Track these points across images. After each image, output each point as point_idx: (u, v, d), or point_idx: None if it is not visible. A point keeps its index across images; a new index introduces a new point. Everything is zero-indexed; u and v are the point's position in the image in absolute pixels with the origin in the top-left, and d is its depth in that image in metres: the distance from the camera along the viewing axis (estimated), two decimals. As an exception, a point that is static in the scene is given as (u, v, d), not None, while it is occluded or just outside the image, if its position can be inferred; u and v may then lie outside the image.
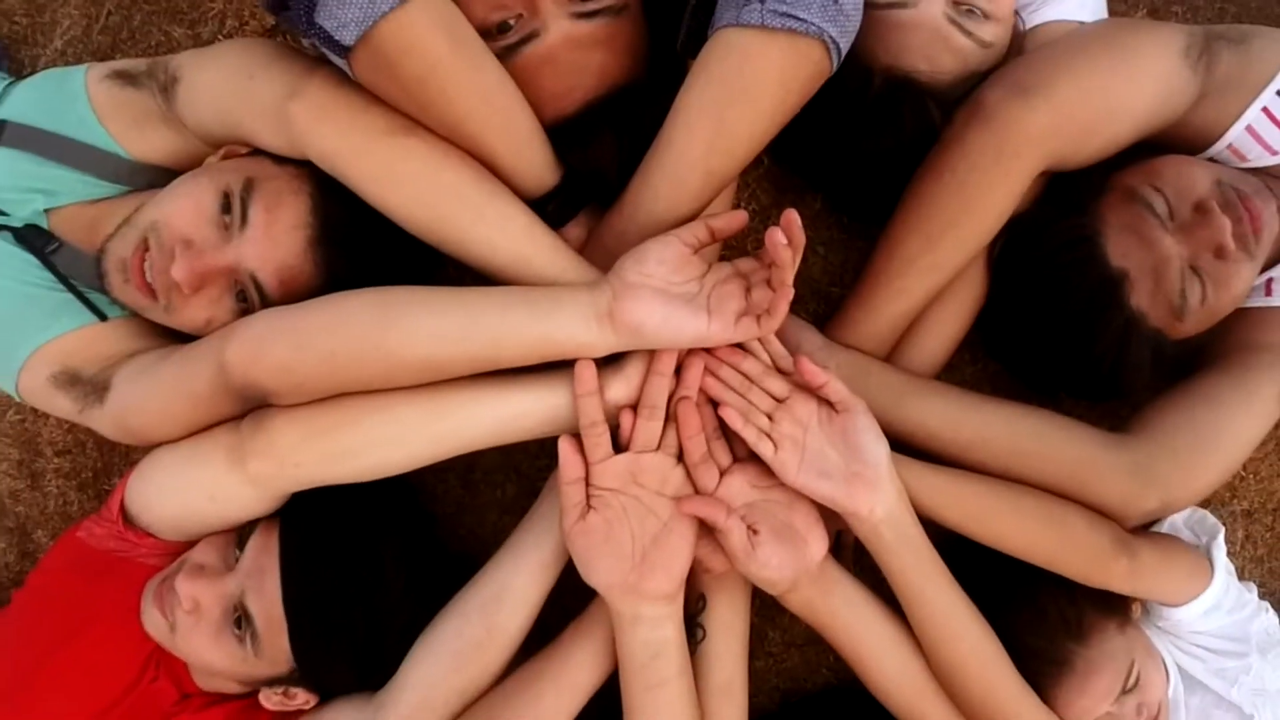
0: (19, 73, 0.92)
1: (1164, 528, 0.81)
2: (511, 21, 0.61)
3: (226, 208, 0.62)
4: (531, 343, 0.59)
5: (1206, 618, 0.76)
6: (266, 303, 0.63)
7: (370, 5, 0.52)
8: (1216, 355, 0.73)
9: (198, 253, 0.61)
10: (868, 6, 0.62)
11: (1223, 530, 0.80)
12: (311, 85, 0.61)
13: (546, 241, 0.63)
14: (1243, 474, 0.95)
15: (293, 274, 0.63)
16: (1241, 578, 0.87)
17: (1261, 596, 0.84)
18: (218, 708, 0.72)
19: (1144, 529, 0.74)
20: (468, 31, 0.58)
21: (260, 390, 0.60)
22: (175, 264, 0.60)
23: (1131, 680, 0.70)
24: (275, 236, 0.62)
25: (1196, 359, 0.76)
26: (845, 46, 0.59)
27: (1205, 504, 0.89)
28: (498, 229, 0.61)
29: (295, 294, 0.63)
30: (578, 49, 0.62)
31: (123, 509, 0.71)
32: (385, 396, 0.61)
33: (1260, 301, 0.72)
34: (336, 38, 0.54)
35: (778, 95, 0.59)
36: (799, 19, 0.55)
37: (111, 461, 0.89)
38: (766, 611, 0.86)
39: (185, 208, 0.62)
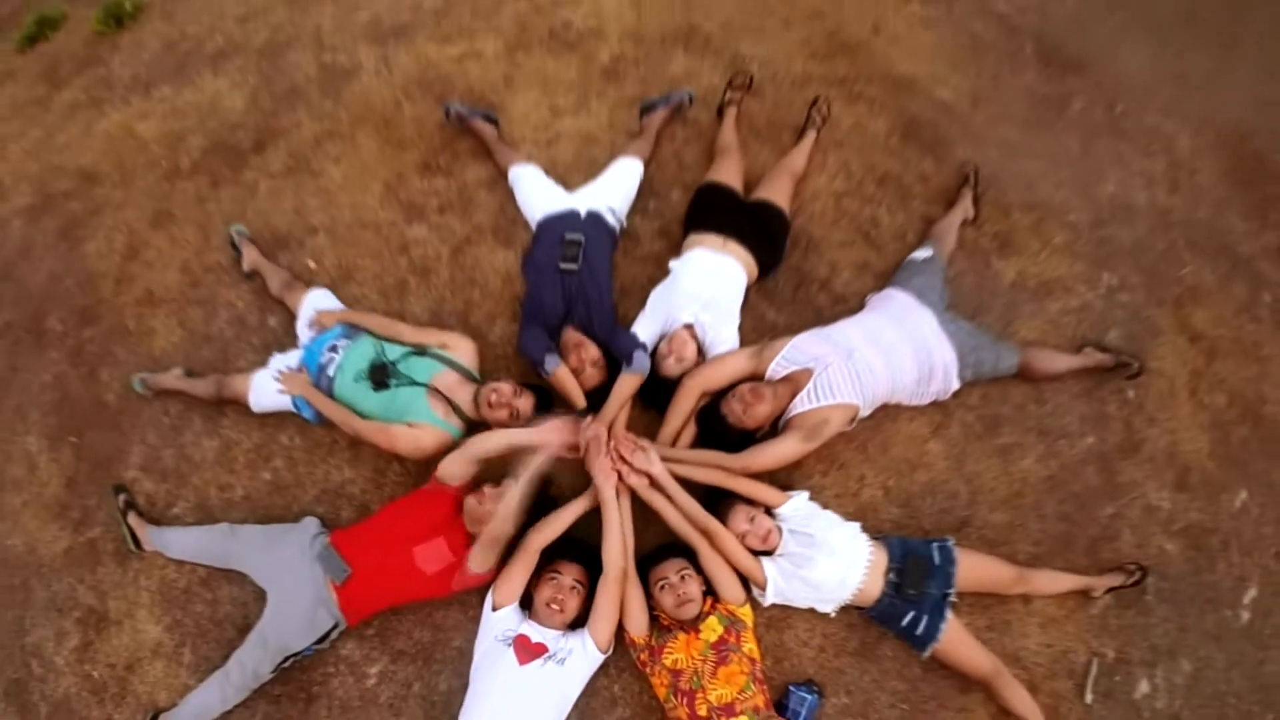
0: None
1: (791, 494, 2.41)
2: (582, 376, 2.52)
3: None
4: None
5: (794, 513, 2.34)
6: (522, 421, 2.40)
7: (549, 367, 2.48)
8: (780, 432, 2.45)
9: (509, 402, 2.38)
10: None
11: (805, 494, 2.40)
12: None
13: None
14: (825, 469, 2.55)
15: (523, 415, 2.40)
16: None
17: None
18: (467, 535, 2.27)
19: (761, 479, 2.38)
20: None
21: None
22: (503, 407, 2.38)
23: (752, 515, 2.27)
24: (526, 409, 2.41)
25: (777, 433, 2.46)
26: (646, 372, 2.50)
27: (800, 485, 2.47)
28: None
29: (522, 421, 2.40)
30: (593, 375, 2.48)
31: (436, 479, 2.35)
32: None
33: (792, 413, 2.45)
34: (544, 373, 2.50)
35: (632, 387, 2.50)
36: (637, 367, 2.48)
37: (421, 479, 2.50)
38: (649, 525, 2.42)
39: (502, 394, 2.41)
